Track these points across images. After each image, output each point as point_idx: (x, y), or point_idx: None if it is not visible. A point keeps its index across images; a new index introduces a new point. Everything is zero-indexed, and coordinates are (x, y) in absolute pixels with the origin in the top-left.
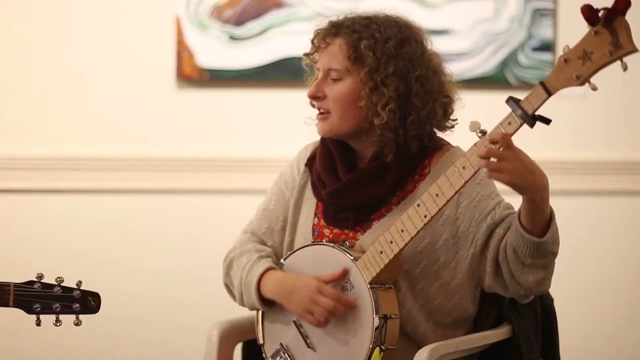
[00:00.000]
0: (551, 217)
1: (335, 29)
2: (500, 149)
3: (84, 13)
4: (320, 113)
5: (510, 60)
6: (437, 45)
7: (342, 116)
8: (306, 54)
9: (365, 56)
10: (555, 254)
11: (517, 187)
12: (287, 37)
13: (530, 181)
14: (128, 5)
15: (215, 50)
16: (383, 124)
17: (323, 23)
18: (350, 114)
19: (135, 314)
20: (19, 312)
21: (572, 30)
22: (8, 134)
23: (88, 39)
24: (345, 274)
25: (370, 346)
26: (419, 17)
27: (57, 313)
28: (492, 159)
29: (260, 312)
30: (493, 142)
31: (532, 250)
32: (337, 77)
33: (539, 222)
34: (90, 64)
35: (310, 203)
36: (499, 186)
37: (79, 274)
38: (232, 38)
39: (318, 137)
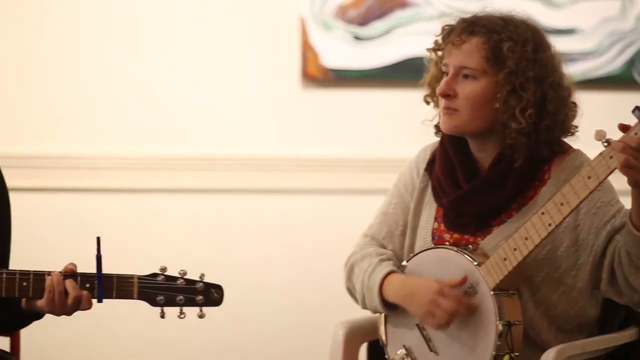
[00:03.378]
0: None
1: (471, 27)
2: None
3: (214, 13)
4: (447, 109)
5: (637, 59)
6: (561, 44)
7: (472, 115)
8: (434, 49)
9: (505, 58)
10: None
11: (636, 182)
12: (412, 37)
13: None
14: (254, 6)
15: (339, 50)
16: (519, 129)
17: (453, 20)
18: (481, 114)
19: (262, 312)
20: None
21: None
22: (136, 134)
23: (214, 39)
24: (465, 281)
25: (494, 353)
26: (544, 17)
27: (181, 305)
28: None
29: (383, 315)
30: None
31: None
32: (470, 75)
33: None
34: (216, 65)
35: (430, 207)
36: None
37: (214, 272)
38: (357, 38)
39: (437, 139)
